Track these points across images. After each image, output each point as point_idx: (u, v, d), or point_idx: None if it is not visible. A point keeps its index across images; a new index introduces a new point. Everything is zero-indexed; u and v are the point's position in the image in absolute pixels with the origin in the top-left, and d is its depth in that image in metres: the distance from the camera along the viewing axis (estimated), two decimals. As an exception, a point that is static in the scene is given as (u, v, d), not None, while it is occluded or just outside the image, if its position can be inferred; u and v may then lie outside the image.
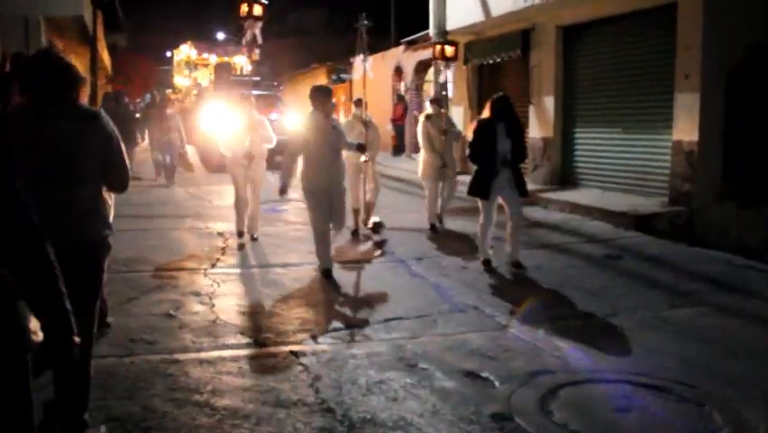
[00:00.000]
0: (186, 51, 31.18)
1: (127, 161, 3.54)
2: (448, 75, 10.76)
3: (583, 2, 11.44)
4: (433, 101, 9.81)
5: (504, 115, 6.98)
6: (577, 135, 12.68)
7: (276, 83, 27.50)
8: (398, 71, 22.78)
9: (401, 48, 22.12)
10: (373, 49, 26.01)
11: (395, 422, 3.67)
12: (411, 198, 12.49)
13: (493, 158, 6.87)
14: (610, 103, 11.65)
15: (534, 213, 10.94)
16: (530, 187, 13.20)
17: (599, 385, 4.21)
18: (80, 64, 15.73)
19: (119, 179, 3.47)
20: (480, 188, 7.00)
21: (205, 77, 28.80)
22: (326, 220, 6.83)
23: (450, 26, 15.57)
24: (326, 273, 6.76)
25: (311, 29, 41.41)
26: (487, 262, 7.13)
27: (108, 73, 29.63)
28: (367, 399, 3.97)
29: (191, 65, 30.85)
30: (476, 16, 14.18)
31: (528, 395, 3.95)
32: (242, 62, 28.81)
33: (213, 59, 29.14)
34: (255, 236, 8.55)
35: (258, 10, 8.32)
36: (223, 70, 26.29)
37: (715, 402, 3.92)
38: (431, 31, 16.17)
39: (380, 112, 23.30)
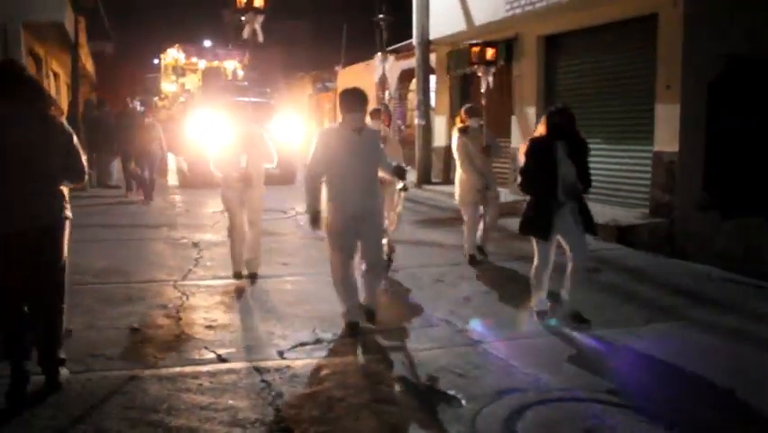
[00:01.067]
0: (173, 55, 29.58)
1: (83, 157, 4.21)
2: (489, 81, 8.31)
3: (564, 12, 11.40)
4: (470, 111, 7.88)
5: (564, 132, 5.56)
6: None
7: (269, 89, 26.54)
8: (382, 80, 22.71)
9: (386, 56, 22.02)
10: (357, 58, 26.15)
11: (355, 443, 3.53)
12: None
13: (553, 187, 5.45)
14: (591, 113, 11.56)
15: (513, 224, 10.82)
16: (511, 198, 13.18)
17: (569, 404, 4.08)
18: (63, 71, 15.56)
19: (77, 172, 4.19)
20: (538, 226, 5.58)
21: (193, 83, 27.38)
22: (351, 260, 5.48)
23: (433, 35, 15.53)
24: (353, 328, 5.36)
25: (296, 40, 41.35)
26: (542, 315, 5.76)
27: (93, 81, 29.45)
28: (327, 417, 3.83)
29: (179, 70, 29.23)
30: (459, 26, 14.14)
31: (495, 415, 3.82)
32: (232, 67, 27.83)
33: (202, 64, 27.97)
34: (256, 276, 7.05)
35: (259, 1, 6.89)
36: (212, 75, 25.06)
37: (687, 423, 3.81)
38: (414, 40, 16.10)
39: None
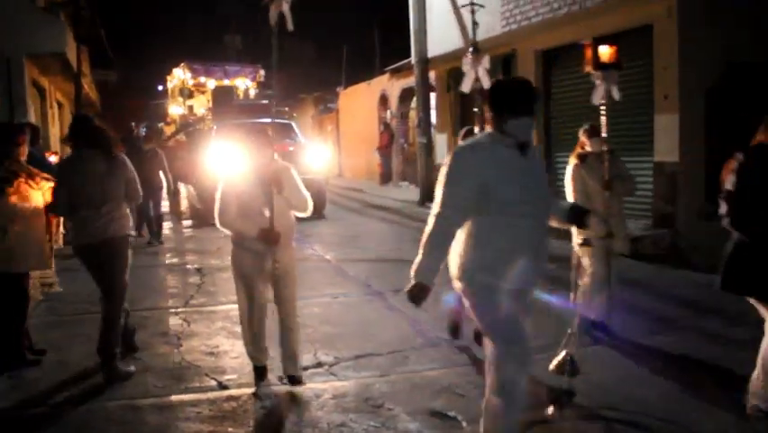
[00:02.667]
0: (179, 76, 27.65)
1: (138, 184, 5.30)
2: (614, 91, 5.20)
3: (560, 26, 11.44)
4: (591, 131, 5.97)
5: None
6: (558, 159, 12.59)
7: (287, 108, 24.27)
8: (384, 99, 22.83)
9: (386, 76, 22.16)
10: (358, 78, 26.24)
11: (353, 469, 3.49)
12: (397, 228, 12.36)
13: None
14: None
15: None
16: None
17: (571, 423, 4.03)
18: (67, 100, 15.56)
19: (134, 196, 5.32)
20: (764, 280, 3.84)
21: (201, 104, 25.54)
22: (529, 358, 3.51)
23: (431, 53, 15.60)
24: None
25: (297, 61, 41.64)
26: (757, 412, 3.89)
27: (98, 109, 29.68)
28: (327, 443, 3.80)
29: (186, 91, 27.35)
30: (456, 43, 14.20)
31: (494, 436, 3.76)
32: (243, 86, 26.08)
33: (211, 84, 26.10)
34: (298, 380, 4.73)
35: None
36: (223, 94, 22.84)
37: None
38: (413, 59, 16.18)
39: (367, 140, 23.32)
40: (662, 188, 9.74)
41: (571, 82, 12.04)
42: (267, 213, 4.48)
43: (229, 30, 42.81)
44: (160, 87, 43.70)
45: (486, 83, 6.17)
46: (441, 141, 16.93)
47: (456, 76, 15.53)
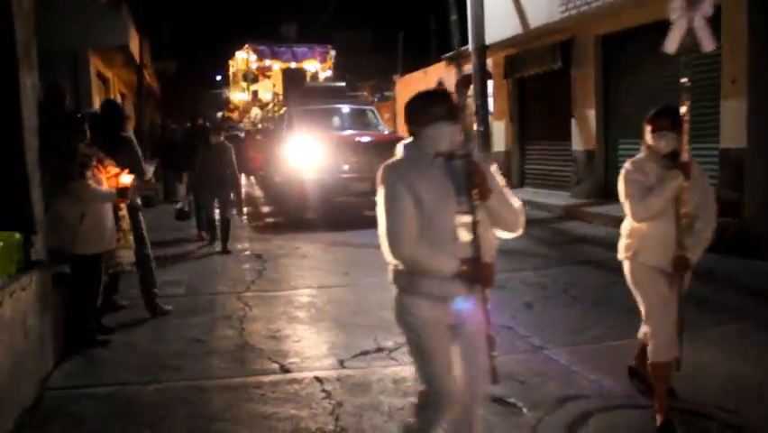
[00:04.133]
0: (243, 58, 26.07)
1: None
2: (704, 38, 4.00)
3: (622, 10, 11.18)
4: (655, 120, 4.06)
5: None
6: (620, 147, 12.35)
7: (365, 92, 22.08)
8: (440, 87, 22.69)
9: (443, 63, 22.01)
10: (414, 66, 26.09)
11: (414, 452, 3.51)
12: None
13: None
14: (654, 112, 11.33)
15: (577, 228, 10.67)
16: (573, 201, 12.94)
17: (633, 412, 3.97)
18: (128, 91, 15.97)
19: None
20: None
21: (267, 89, 23.95)
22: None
23: (489, 40, 15.39)
24: None
25: (354, 50, 41.75)
26: None
27: (158, 99, 30.31)
28: (388, 426, 3.84)
29: (250, 75, 25.74)
30: (514, 29, 14.04)
31: (556, 423, 3.76)
32: (313, 69, 24.00)
33: (276, 67, 24.26)
34: None
35: None
36: (293, 77, 20.27)
37: (753, 429, 3.66)
38: (470, 46, 16.01)
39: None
40: (728, 175, 9.45)
41: (635, 67, 11.77)
42: (466, 234, 2.78)
43: (285, 19, 43.16)
44: (218, 77, 44.49)
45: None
46: (498, 128, 16.77)
47: (515, 62, 15.37)
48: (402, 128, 15.34)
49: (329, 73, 25.42)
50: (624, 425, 3.84)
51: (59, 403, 4.32)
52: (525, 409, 4.00)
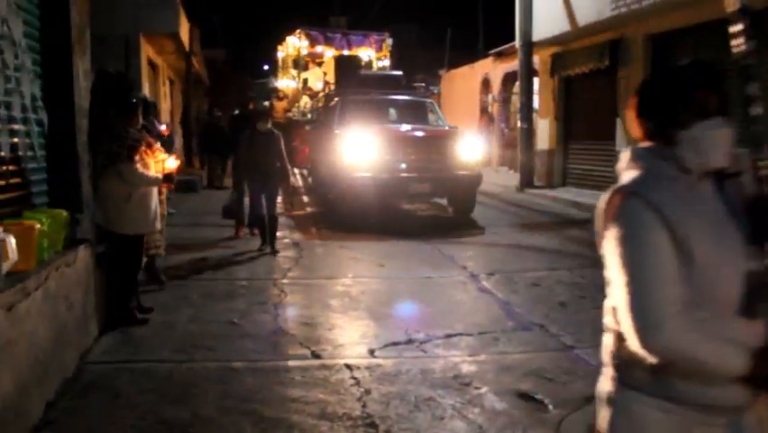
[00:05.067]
0: (294, 44, 24.25)
1: None
2: None
3: (673, 9, 10.98)
4: None
5: None
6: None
7: (423, 83, 21.16)
8: (486, 83, 22.60)
9: (490, 59, 21.93)
10: (461, 61, 25.99)
11: (438, 442, 3.57)
12: (495, 213, 12.25)
13: None
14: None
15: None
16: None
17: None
18: (177, 78, 16.32)
19: None
20: None
21: (317, 77, 22.21)
22: None
23: (536, 37, 15.30)
24: None
25: (401, 44, 41.73)
26: None
27: (206, 87, 30.78)
28: (413, 415, 3.89)
29: (301, 62, 23.83)
30: (562, 26, 13.89)
31: (580, 421, 3.75)
32: (366, 57, 22.76)
33: (329, 54, 22.61)
34: None
35: None
36: (346, 65, 18.67)
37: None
38: (516, 42, 15.93)
39: (468, 124, 23.18)
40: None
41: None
42: None
43: (334, 13, 43.31)
44: (266, 67, 44.88)
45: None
46: (543, 126, 16.64)
47: (561, 60, 15.22)
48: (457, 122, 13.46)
49: (386, 62, 23.62)
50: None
51: (97, 376, 4.47)
52: (550, 406, 4.01)
